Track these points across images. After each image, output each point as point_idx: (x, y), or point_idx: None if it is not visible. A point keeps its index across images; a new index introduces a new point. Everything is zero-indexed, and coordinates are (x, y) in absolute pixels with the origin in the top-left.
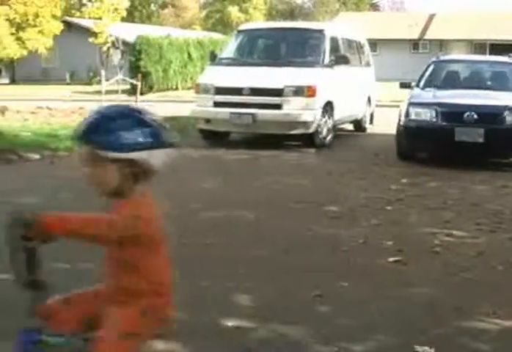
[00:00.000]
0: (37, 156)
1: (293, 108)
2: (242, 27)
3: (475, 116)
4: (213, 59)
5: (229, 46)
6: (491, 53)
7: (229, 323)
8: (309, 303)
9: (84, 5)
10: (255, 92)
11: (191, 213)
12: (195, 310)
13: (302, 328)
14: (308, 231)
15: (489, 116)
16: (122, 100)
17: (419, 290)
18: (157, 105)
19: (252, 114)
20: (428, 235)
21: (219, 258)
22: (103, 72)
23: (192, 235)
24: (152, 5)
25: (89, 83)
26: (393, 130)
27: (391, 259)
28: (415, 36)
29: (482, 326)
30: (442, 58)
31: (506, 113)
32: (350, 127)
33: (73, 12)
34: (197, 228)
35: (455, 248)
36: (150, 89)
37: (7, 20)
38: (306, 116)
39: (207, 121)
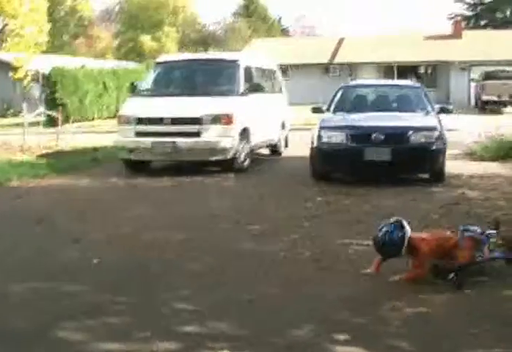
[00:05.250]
0: None
1: (212, 135)
2: (160, 59)
3: (382, 136)
4: (133, 90)
5: (149, 78)
6: (398, 75)
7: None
8: (242, 306)
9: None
10: (175, 121)
11: (123, 236)
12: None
13: (240, 325)
14: (235, 247)
15: (395, 136)
16: (44, 131)
17: (337, 291)
18: (77, 136)
19: (173, 143)
20: (342, 246)
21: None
22: (24, 106)
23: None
24: (64, 35)
25: (4, 116)
26: (307, 153)
27: (311, 267)
28: (325, 60)
29: (389, 315)
30: (350, 83)
31: (410, 133)
32: (267, 151)
33: None
34: (131, 248)
35: (368, 256)
36: (67, 119)
37: None
38: (224, 143)
39: (130, 151)
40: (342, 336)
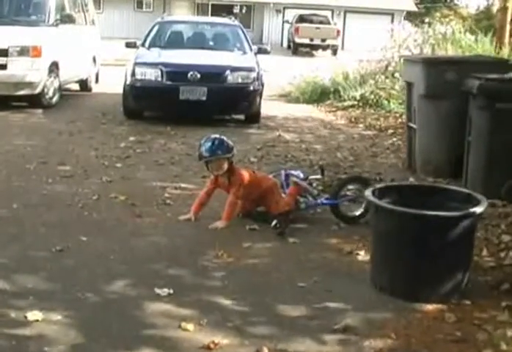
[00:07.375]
0: None
1: (19, 68)
2: None
3: (198, 75)
4: None
5: None
6: (213, 13)
7: None
8: (51, 257)
9: None
10: None
11: None
12: None
13: (49, 279)
14: (44, 190)
15: (211, 75)
16: None
17: (154, 239)
18: None
19: None
20: (158, 189)
21: None
22: None
23: None
24: None
25: None
26: (120, 90)
27: (125, 212)
28: None
29: (211, 266)
30: (166, 18)
31: (227, 72)
32: (77, 87)
33: None
34: None
35: (184, 199)
36: None
37: None
38: (31, 77)
39: None
40: (160, 291)
